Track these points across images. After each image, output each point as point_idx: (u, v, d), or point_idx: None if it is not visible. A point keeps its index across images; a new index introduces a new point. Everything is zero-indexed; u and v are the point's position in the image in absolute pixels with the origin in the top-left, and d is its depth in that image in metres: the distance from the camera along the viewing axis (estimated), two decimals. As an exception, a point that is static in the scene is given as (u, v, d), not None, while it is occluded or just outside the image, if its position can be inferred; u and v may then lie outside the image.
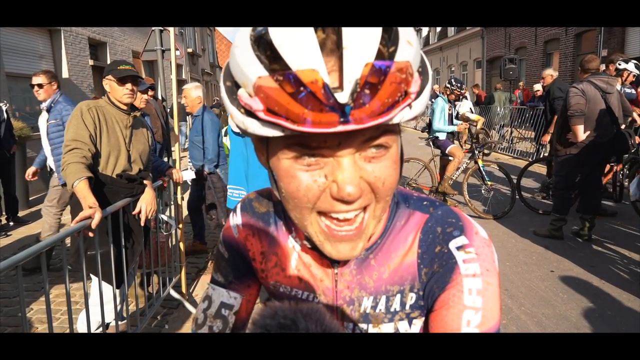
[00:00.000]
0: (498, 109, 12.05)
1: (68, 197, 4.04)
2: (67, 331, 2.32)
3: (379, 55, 0.45)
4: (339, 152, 0.51)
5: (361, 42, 0.45)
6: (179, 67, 14.57)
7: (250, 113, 0.49)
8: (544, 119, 6.18)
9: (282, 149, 0.53)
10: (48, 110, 3.85)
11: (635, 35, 11.60)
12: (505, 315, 3.07)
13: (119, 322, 2.52)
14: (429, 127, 5.93)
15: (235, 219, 0.79)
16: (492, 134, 11.83)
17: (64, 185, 3.88)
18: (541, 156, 6.11)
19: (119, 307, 2.54)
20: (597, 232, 4.50)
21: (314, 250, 0.69)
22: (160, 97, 5.29)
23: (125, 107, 2.52)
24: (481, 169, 5.40)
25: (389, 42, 0.46)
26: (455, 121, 5.80)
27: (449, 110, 5.70)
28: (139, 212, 2.52)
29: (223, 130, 4.03)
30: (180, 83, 15.73)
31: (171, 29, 3.67)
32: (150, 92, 4.31)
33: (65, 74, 8.23)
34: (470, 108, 6.98)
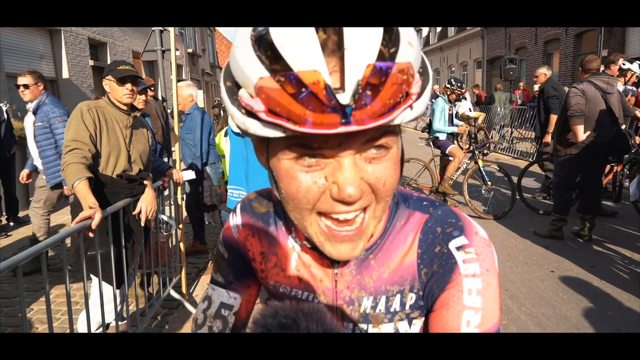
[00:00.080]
0: (498, 109, 12.05)
1: (55, 199, 4.02)
2: (68, 331, 2.32)
3: (380, 56, 0.45)
4: (339, 153, 0.51)
5: (362, 43, 0.45)
6: (179, 67, 14.58)
7: (251, 113, 0.49)
8: (536, 118, 6.13)
9: (282, 150, 0.53)
10: (34, 112, 3.79)
11: (635, 35, 11.61)
12: (506, 315, 3.07)
13: (119, 323, 2.52)
14: (429, 127, 5.93)
15: (235, 219, 0.79)
16: (493, 134, 11.83)
17: (54, 187, 3.87)
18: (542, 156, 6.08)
19: (119, 308, 2.54)
20: (597, 233, 4.50)
21: (314, 250, 0.69)
22: (160, 98, 5.28)
23: (125, 108, 2.52)
24: (481, 169, 5.40)
25: (390, 43, 0.46)
26: (456, 121, 5.80)
27: (449, 110, 5.70)
28: (139, 213, 2.52)
29: (223, 131, 4.02)
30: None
31: (171, 29, 3.67)
32: (151, 93, 4.31)
33: (65, 74, 8.23)
34: (470, 108, 6.98)
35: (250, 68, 0.47)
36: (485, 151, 5.63)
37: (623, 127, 4.26)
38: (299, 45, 0.45)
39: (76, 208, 2.30)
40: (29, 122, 3.93)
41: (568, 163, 4.31)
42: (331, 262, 0.69)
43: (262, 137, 0.51)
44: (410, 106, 0.49)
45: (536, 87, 9.88)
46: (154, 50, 4.49)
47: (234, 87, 0.51)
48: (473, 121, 6.00)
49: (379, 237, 0.67)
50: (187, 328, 3.05)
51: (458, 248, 0.63)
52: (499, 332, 0.61)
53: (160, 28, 4.22)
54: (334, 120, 0.45)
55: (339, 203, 0.53)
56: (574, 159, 4.24)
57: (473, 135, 5.75)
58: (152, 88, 4.62)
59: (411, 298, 0.66)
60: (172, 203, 3.50)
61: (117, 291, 2.45)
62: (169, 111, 5.05)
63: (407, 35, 0.48)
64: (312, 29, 0.45)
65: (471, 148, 5.61)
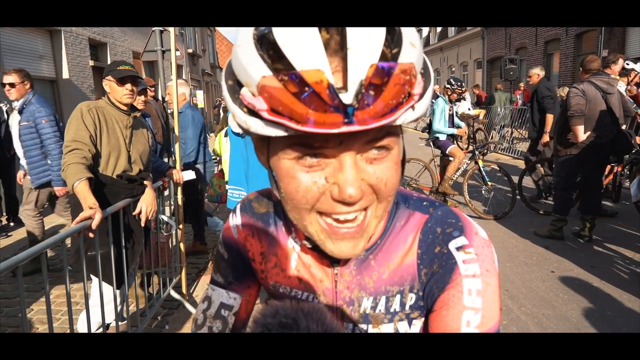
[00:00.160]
0: (498, 110, 12.05)
1: (45, 199, 3.98)
2: (68, 332, 2.32)
3: (383, 57, 0.45)
4: (340, 153, 0.51)
5: (365, 43, 0.45)
6: (179, 67, 14.57)
7: (253, 112, 0.48)
8: (530, 119, 6.11)
9: (283, 149, 0.53)
10: (20, 111, 3.74)
11: (635, 35, 11.60)
12: (506, 315, 3.07)
13: (120, 323, 2.52)
14: (429, 128, 5.94)
15: (235, 220, 0.79)
16: (493, 134, 11.83)
17: (39, 187, 3.85)
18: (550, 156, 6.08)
19: (119, 308, 2.54)
20: (597, 233, 4.50)
21: (314, 250, 0.69)
22: (160, 98, 5.28)
23: (125, 108, 2.52)
24: (481, 169, 5.40)
25: (393, 44, 0.47)
26: (457, 121, 5.80)
27: (450, 110, 5.71)
28: (139, 213, 2.52)
29: (223, 131, 4.02)
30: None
31: (171, 29, 3.67)
32: (151, 93, 4.31)
33: (65, 74, 8.23)
34: (469, 107, 6.99)
35: (252, 67, 0.47)
36: (485, 151, 5.63)
37: (623, 127, 4.26)
38: (301, 44, 0.45)
39: (76, 208, 2.30)
40: (14, 121, 3.88)
41: (568, 163, 4.31)
42: (331, 262, 0.69)
43: (263, 136, 0.51)
44: (412, 107, 0.49)
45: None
46: (154, 51, 4.50)
47: (236, 86, 0.51)
48: (472, 121, 6.00)
49: (379, 238, 0.67)
50: (187, 328, 3.05)
51: (458, 248, 0.63)
52: (499, 332, 0.61)
53: (161, 28, 4.22)
54: (337, 119, 0.45)
55: (340, 204, 0.53)
56: (574, 159, 4.24)
57: (472, 135, 5.75)
58: (152, 88, 4.62)
59: (411, 298, 0.66)
60: (172, 203, 3.50)
61: (117, 291, 2.45)
62: (169, 112, 5.05)
63: (410, 35, 0.48)
64: (315, 29, 0.45)
65: (471, 148, 5.61)
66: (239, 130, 2.89)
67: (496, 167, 5.50)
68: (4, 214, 5.70)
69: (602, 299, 3.26)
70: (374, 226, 0.58)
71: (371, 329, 0.68)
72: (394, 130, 0.53)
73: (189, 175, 3.50)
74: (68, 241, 2.34)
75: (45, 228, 4.32)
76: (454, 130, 5.56)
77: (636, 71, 5.26)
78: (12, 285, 3.64)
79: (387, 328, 0.68)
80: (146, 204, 2.53)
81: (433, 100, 6.22)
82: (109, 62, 9.37)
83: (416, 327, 0.68)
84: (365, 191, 0.53)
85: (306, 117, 0.45)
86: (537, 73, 5.95)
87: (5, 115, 5.41)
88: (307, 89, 0.44)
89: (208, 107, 22.23)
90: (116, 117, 2.48)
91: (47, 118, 3.73)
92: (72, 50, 8.41)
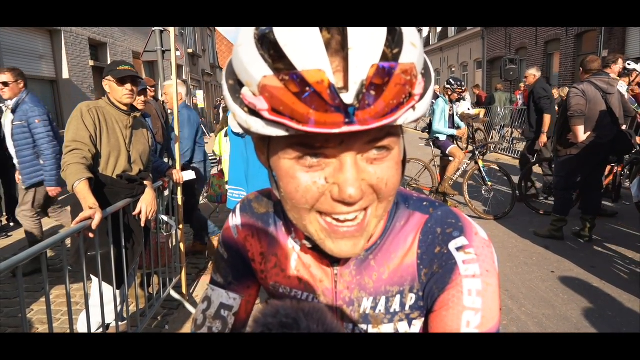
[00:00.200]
0: (498, 110, 12.05)
1: (42, 199, 3.96)
2: (68, 332, 2.32)
3: (384, 57, 0.45)
4: (341, 153, 0.51)
5: (366, 43, 0.45)
6: (179, 67, 14.58)
7: (254, 112, 0.48)
8: (526, 119, 6.10)
9: (284, 149, 0.53)
10: (13, 111, 3.70)
11: (635, 35, 11.60)
12: (506, 315, 3.07)
13: (120, 323, 2.52)
14: (429, 128, 5.94)
15: (235, 220, 0.79)
16: (493, 134, 11.83)
17: (29, 187, 3.82)
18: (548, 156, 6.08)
19: (119, 308, 2.54)
20: (597, 233, 4.50)
21: (314, 250, 0.69)
22: (160, 98, 5.28)
23: (125, 108, 2.52)
24: (481, 169, 5.40)
25: (394, 44, 0.47)
26: (457, 120, 5.80)
27: (450, 110, 5.71)
28: (139, 213, 2.52)
29: (223, 131, 4.02)
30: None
31: (171, 29, 3.67)
32: (151, 93, 4.30)
33: (65, 74, 8.23)
34: (468, 107, 7.00)
35: (253, 66, 0.47)
36: (484, 151, 5.63)
37: (623, 127, 4.26)
38: (303, 44, 0.45)
39: (76, 208, 2.30)
40: (7, 120, 3.84)
41: (568, 163, 4.31)
42: (331, 262, 0.69)
43: (264, 136, 0.51)
44: (413, 107, 0.49)
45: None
46: (154, 51, 4.51)
47: (237, 86, 0.51)
48: (472, 121, 6.00)
49: (379, 238, 0.67)
50: (187, 328, 3.05)
51: (458, 249, 0.63)
52: (499, 332, 0.61)
53: (161, 28, 4.23)
54: (337, 119, 0.45)
55: (340, 204, 0.53)
56: (574, 159, 4.24)
57: (471, 136, 5.76)
58: (152, 88, 4.61)
59: (411, 299, 0.66)
60: (172, 204, 3.50)
61: (117, 291, 2.45)
62: (169, 112, 5.05)
63: (411, 36, 0.48)
64: (316, 29, 0.45)
65: (471, 148, 5.61)
66: (239, 130, 2.90)
67: (496, 167, 5.50)
68: (4, 214, 5.70)
69: (602, 299, 3.26)
70: (374, 226, 0.58)
71: (371, 329, 0.68)
72: (394, 131, 0.53)
73: (189, 175, 3.50)
74: (68, 241, 2.34)
75: (45, 228, 4.31)
76: (454, 131, 5.57)
77: (638, 71, 5.26)
78: (12, 286, 3.64)
79: (387, 328, 0.68)
80: (146, 204, 2.53)
81: (433, 101, 6.22)
82: (109, 62, 9.37)
83: (416, 327, 0.68)
84: (365, 191, 0.53)
85: (307, 117, 0.45)
86: (533, 74, 5.95)
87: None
88: (308, 88, 0.44)
89: (208, 107, 22.23)
90: (116, 117, 2.48)
91: (41, 118, 3.70)
92: (72, 50, 8.41)
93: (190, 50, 18.30)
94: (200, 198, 6.08)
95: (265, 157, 0.59)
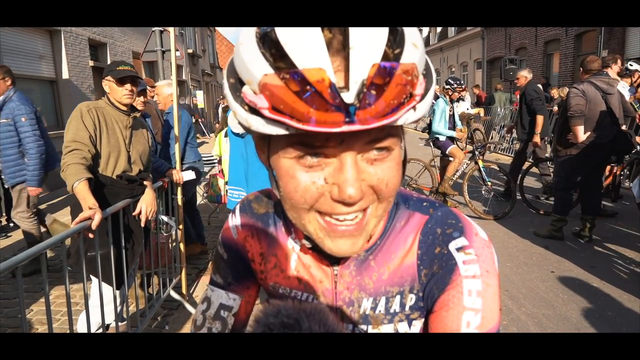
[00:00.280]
0: (498, 110, 12.05)
1: (36, 198, 3.93)
2: (67, 332, 2.31)
3: (385, 57, 0.45)
4: (341, 153, 0.51)
5: (368, 43, 0.45)
6: (179, 68, 14.59)
7: (254, 110, 0.48)
8: (519, 121, 6.10)
9: (284, 148, 0.53)
10: (0, 108, 3.66)
11: (635, 35, 11.60)
12: (506, 316, 3.07)
13: (119, 323, 2.52)
14: (429, 128, 5.94)
15: (235, 220, 0.78)
16: (493, 134, 11.84)
17: (12, 186, 3.78)
18: (543, 156, 6.07)
19: (119, 308, 2.53)
20: (597, 233, 4.50)
21: (314, 251, 0.69)
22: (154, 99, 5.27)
23: (124, 108, 2.52)
24: (481, 169, 5.41)
25: (395, 44, 0.46)
26: (457, 120, 5.80)
27: (450, 111, 5.71)
28: (139, 213, 2.52)
29: (223, 132, 4.02)
30: (181, 84, 15.74)
31: (171, 29, 3.67)
32: (151, 93, 4.29)
33: (65, 74, 8.23)
34: (468, 107, 7.00)
35: (254, 65, 0.47)
36: (483, 151, 5.64)
37: (623, 127, 4.27)
38: (304, 43, 0.45)
39: (76, 209, 2.29)
40: None
41: (568, 163, 4.31)
42: (331, 263, 0.68)
43: (264, 135, 0.51)
44: (414, 107, 0.49)
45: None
46: (154, 51, 4.50)
47: (238, 84, 0.51)
48: (472, 120, 6.01)
49: (379, 238, 0.67)
50: (187, 329, 3.05)
51: (458, 249, 0.63)
52: (499, 333, 0.61)
53: (160, 28, 4.22)
54: (338, 119, 0.45)
55: (339, 204, 0.53)
56: (574, 159, 4.24)
57: (470, 136, 5.76)
58: (152, 89, 4.60)
59: (411, 299, 0.66)
60: (173, 205, 3.50)
61: (117, 292, 2.45)
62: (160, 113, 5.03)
63: (412, 36, 0.48)
64: (318, 29, 0.45)
65: (471, 148, 5.62)
66: (239, 130, 2.90)
67: (496, 167, 5.51)
68: (4, 214, 5.69)
69: (602, 299, 3.26)
70: (374, 225, 0.58)
71: (371, 330, 0.68)
72: (395, 132, 0.53)
73: (189, 175, 3.50)
74: (68, 241, 2.34)
75: (45, 229, 4.31)
76: (453, 133, 5.57)
77: (639, 72, 5.26)
78: (11, 286, 3.64)
79: (387, 329, 0.68)
80: (146, 205, 2.53)
81: (433, 101, 6.22)
82: (108, 62, 9.36)
83: (416, 327, 0.68)
84: (365, 192, 0.53)
85: (307, 116, 0.45)
86: (525, 75, 5.93)
87: None
88: (308, 87, 0.44)
89: (208, 108, 22.23)
90: (116, 117, 2.48)
91: (27, 116, 3.66)
92: (72, 51, 8.40)
93: (190, 51, 18.30)
94: (200, 198, 6.08)
95: (265, 156, 0.59)
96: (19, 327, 3.00)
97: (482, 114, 6.17)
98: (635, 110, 5.02)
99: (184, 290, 3.47)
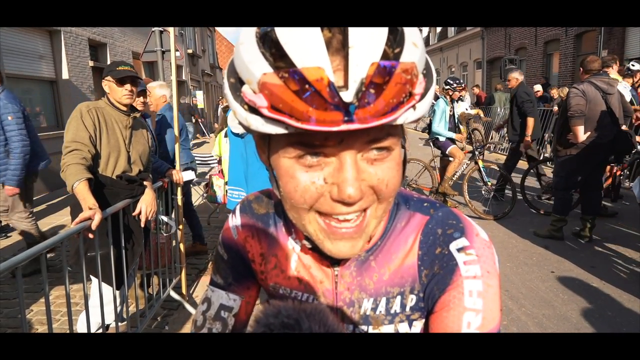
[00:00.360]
0: (498, 110, 12.04)
1: (31, 195, 3.90)
2: (67, 332, 2.31)
3: (385, 56, 0.45)
4: (341, 153, 0.51)
5: (367, 42, 0.45)
6: (179, 68, 14.59)
7: (253, 110, 0.48)
8: (510, 122, 6.11)
9: (284, 147, 0.53)
10: None
11: (635, 35, 11.60)
12: (506, 316, 3.07)
13: (119, 324, 2.51)
14: (429, 128, 5.94)
15: (235, 220, 0.78)
16: (492, 134, 11.83)
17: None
18: (542, 157, 6.07)
19: (119, 309, 2.53)
20: (597, 233, 4.50)
21: (314, 251, 0.68)
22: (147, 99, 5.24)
23: (124, 108, 2.52)
24: (481, 169, 5.41)
25: (395, 43, 0.46)
26: (457, 122, 5.80)
27: (450, 111, 5.71)
28: (139, 213, 2.52)
29: (223, 132, 4.02)
30: (181, 84, 15.73)
31: (171, 29, 3.67)
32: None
33: (65, 75, 8.23)
34: (467, 107, 7.00)
35: (254, 64, 0.47)
36: (483, 151, 5.64)
37: (623, 127, 4.27)
38: (303, 42, 0.45)
39: (76, 209, 2.29)
40: None
41: (568, 163, 4.31)
42: (331, 263, 0.68)
43: (264, 134, 0.51)
44: (414, 106, 0.49)
45: (536, 88, 9.93)
46: (154, 51, 4.50)
47: (238, 84, 0.51)
48: (471, 121, 6.01)
49: (379, 239, 0.67)
50: (187, 329, 3.05)
51: (459, 250, 0.63)
52: (499, 333, 0.61)
53: (160, 29, 4.22)
54: (337, 117, 0.45)
55: (339, 204, 0.53)
56: (574, 159, 4.24)
57: (468, 136, 5.76)
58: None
59: (412, 300, 0.66)
60: (172, 205, 3.50)
61: (117, 292, 2.45)
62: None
63: (412, 35, 0.48)
64: (318, 28, 0.45)
65: (471, 148, 5.62)
66: (239, 131, 2.90)
67: (496, 167, 5.51)
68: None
69: (602, 299, 3.26)
70: (374, 226, 0.58)
71: (371, 330, 0.68)
72: (395, 131, 0.53)
73: (189, 175, 3.50)
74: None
75: (45, 228, 4.30)
76: (453, 135, 5.57)
77: None
78: (11, 286, 3.64)
79: (387, 329, 0.68)
80: (146, 205, 2.53)
81: (434, 102, 6.22)
82: (108, 62, 9.36)
83: (417, 328, 0.68)
84: (365, 192, 0.53)
85: (306, 115, 0.45)
86: (516, 77, 5.92)
87: None
88: (307, 86, 0.44)
89: (208, 108, 22.23)
90: (116, 117, 2.48)
91: (14, 115, 3.64)
92: (71, 51, 8.40)
93: (190, 51, 18.29)
94: (200, 198, 6.08)
95: (265, 156, 0.59)
96: (19, 327, 3.00)
97: (482, 115, 6.15)
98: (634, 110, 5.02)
99: (183, 291, 3.47)
